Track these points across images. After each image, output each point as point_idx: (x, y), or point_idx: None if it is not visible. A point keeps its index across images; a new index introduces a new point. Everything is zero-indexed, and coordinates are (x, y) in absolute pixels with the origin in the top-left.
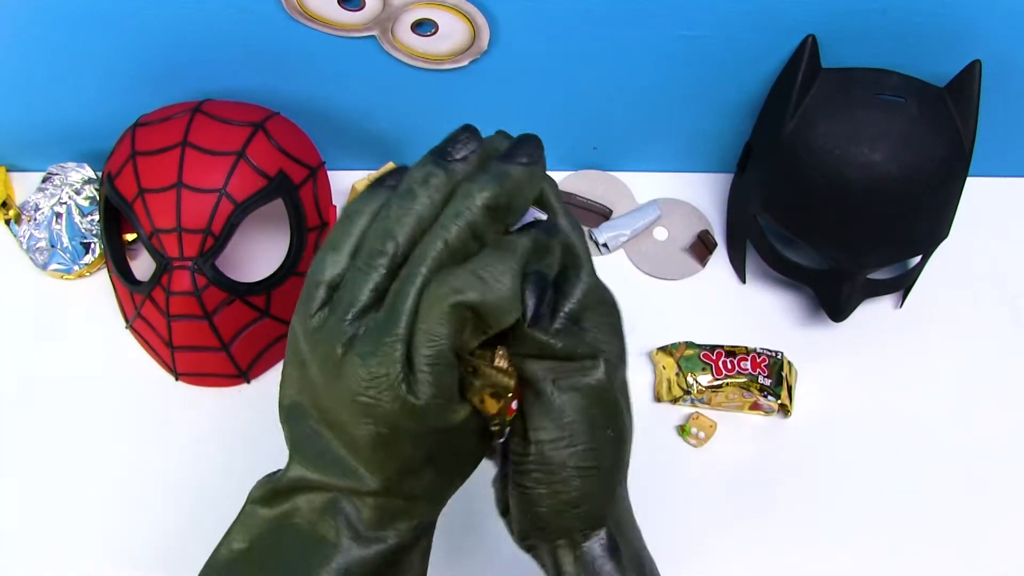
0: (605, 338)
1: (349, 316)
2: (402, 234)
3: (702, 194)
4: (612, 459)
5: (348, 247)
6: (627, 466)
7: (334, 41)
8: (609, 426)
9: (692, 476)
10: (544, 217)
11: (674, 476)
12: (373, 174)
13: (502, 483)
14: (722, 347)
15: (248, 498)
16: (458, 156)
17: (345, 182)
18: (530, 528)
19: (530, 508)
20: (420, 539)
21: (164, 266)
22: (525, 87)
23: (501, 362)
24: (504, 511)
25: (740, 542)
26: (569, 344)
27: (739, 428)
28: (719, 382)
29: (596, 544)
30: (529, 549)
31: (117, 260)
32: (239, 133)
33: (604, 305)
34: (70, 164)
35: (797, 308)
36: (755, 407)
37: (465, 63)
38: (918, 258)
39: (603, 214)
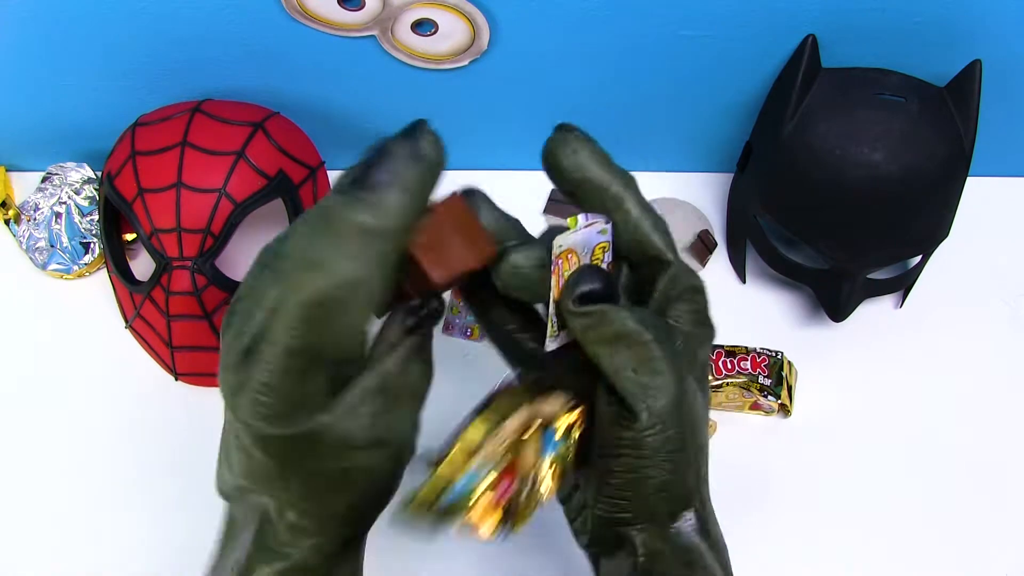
0: (687, 323)
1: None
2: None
3: (702, 194)
4: (697, 440)
5: None
6: (708, 448)
7: (334, 41)
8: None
9: None
10: (604, 223)
11: None
12: None
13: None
14: (722, 347)
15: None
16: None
17: None
18: (614, 513)
19: (615, 494)
20: (332, 564)
21: (164, 266)
22: (525, 87)
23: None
24: (563, 501)
25: (740, 542)
26: (647, 327)
27: (739, 428)
28: (719, 382)
29: (686, 524)
30: (597, 543)
31: (117, 260)
32: (239, 133)
33: (690, 292)
34: (70, 164)
35: (797, 308)
36: (755, 407)
37: (465, 63)
38: (918, 258)
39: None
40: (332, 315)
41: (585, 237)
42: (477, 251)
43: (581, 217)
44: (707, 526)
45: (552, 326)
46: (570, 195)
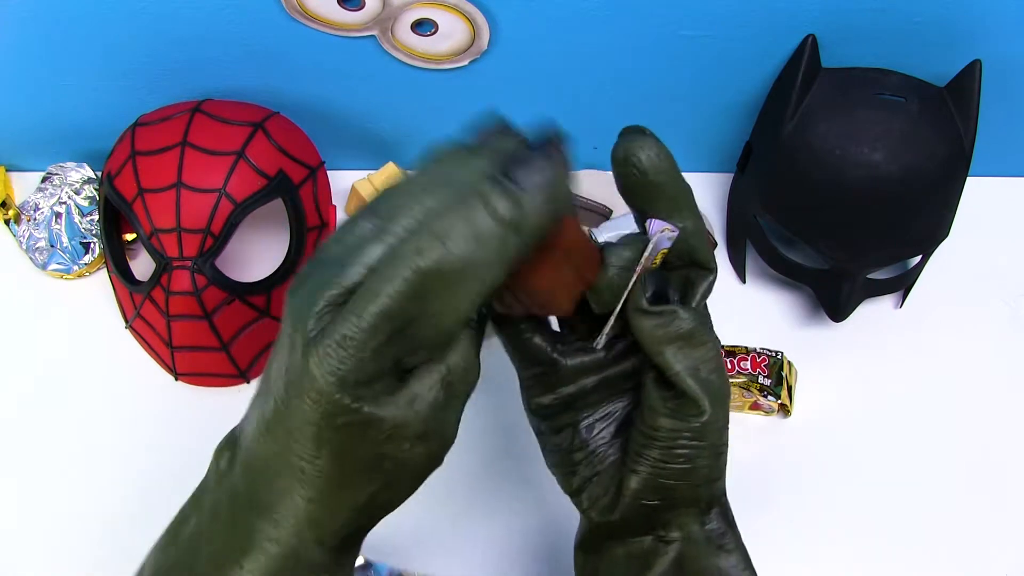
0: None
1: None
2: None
3: (702, 194)
4: (728, 432)
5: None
6: None
7: (334, 41)
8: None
9: None
10: (672, 229)
11: None
12: (373, 174)
13: (572, 465)
14: (722, 347)
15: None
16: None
17: (345, 182)
18: (662, 500)
19: (666, 484)
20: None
21: (164, 266)
22: (525, 87)
23: None
24: (575, 492)
25: None
26: (705, 328)
27: (739, 428)
28: None
29: (715, 514)
30: (622, 530)
31: (117, 260)
32: (239, 133)
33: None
34: (70, 164)
35: (797, 308)
36: (755, 407)
37: (465, 63)
38: (918, 258)
39: (603, 214)
40: (440, 290)
41: (658, 243)
42: (584, 276)
43: (655, 223)
44: (729, 513)
45: (610, 324)
46: (640, 198)
